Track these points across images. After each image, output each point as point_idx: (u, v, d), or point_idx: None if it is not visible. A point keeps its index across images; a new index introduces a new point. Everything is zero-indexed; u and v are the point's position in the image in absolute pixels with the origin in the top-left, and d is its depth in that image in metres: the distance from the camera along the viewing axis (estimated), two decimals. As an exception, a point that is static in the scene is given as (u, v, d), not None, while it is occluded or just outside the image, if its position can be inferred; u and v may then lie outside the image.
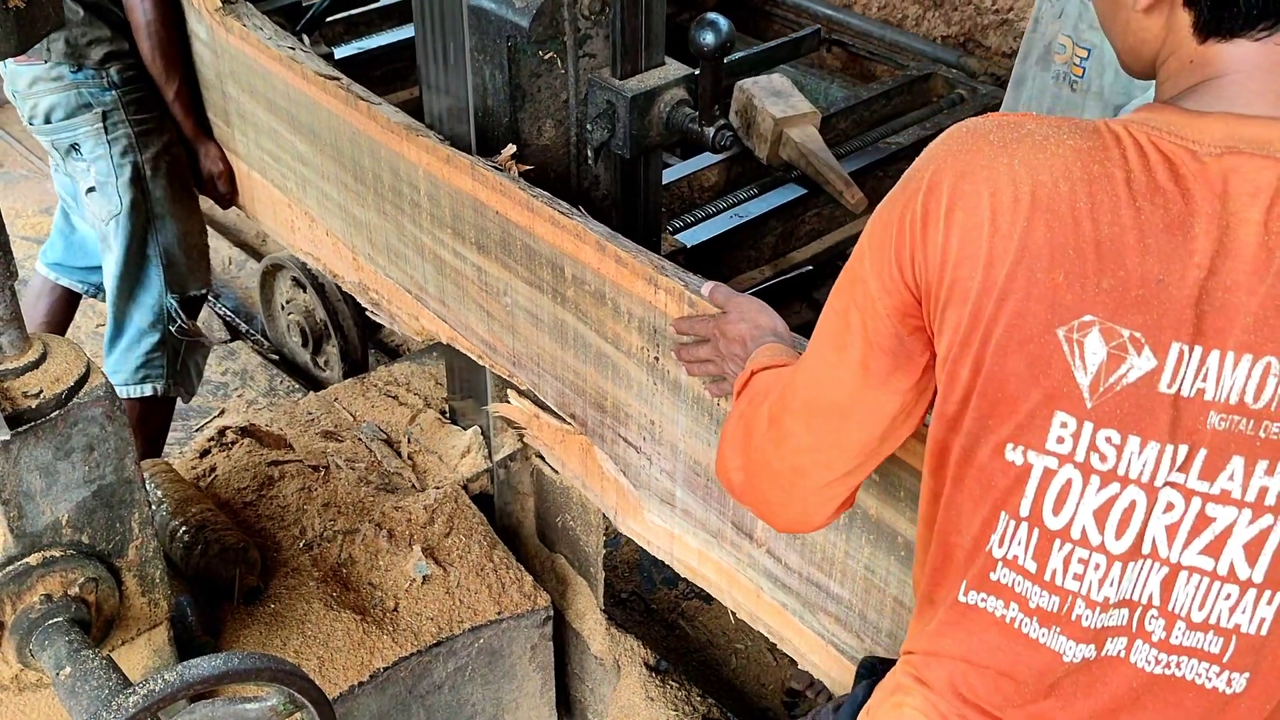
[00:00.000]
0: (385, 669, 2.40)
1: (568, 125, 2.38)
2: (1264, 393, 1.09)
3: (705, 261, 3.13)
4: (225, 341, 3.97)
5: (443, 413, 2.96)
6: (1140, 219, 1.09)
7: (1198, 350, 1.09)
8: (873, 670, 1.55)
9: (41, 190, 4.79)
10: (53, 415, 1.81)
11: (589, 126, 2.34)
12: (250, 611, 2.44)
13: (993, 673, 1.26)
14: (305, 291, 3.72)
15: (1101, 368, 1.11)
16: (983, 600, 1.25)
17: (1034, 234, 1.11)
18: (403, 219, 2.53)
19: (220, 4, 2.81)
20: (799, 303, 3.39)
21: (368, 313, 2.88)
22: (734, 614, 2.25)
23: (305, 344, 3.84)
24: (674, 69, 2.33)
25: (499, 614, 2.56)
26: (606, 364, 2.19)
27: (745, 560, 2.12)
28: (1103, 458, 1.14)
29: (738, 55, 3.74)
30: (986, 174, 1.14)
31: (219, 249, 4.42)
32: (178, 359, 3.09)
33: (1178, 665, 1.20)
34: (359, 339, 3.69)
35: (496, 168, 2.23)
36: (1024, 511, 1.19)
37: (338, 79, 2.55)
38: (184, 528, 2.48)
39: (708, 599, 3.27)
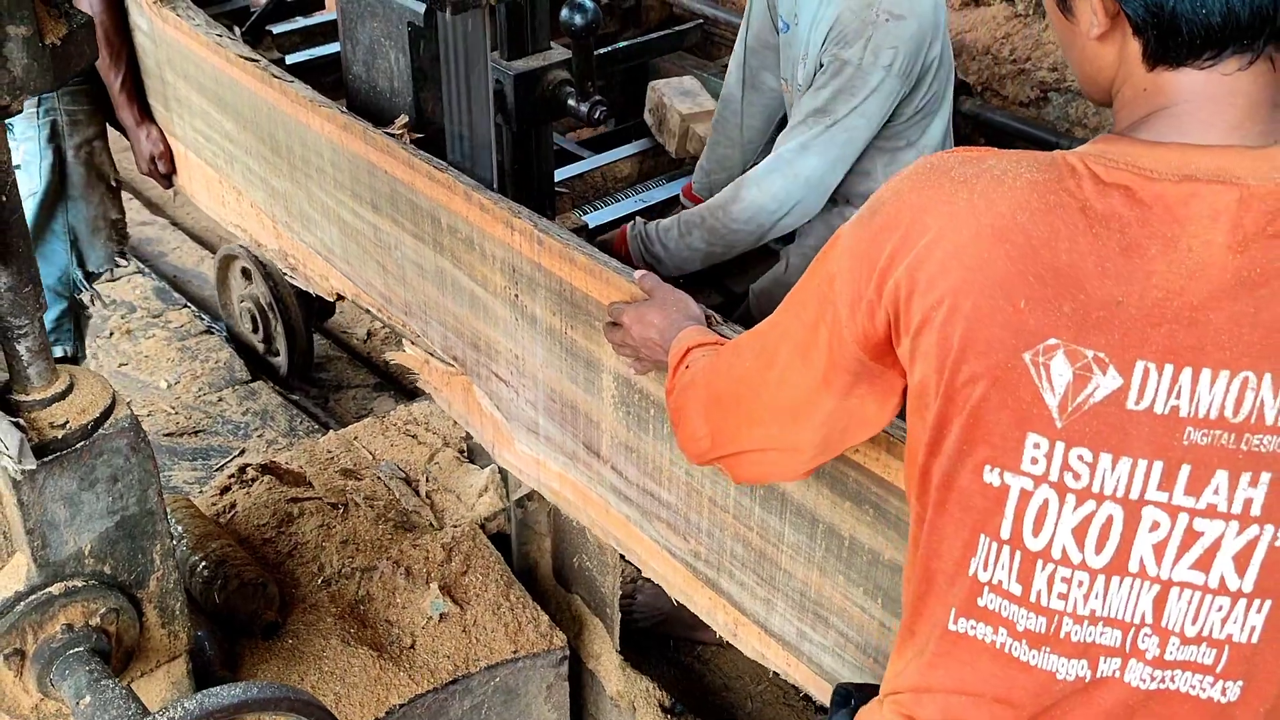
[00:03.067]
0: (401, 706, 2.40)
1: None
2: (1243, 406, 1.12)
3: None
4: (247, 382, 3.99)
5: (461, 452, 2.98)
6: (1098, 244, 1.13)
7: (1168, 368, 1.12)
8: (847, 698, 1.56)
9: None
10: (78, 446, 1.83)
11: None
12: (268, 646, 2.45)
13: (988, 700, 1.27)
14: (255, 280, 3.95)
15: (1068, 388, 1.14)
16: (972, 627, 1.26)
17: (995, 264, 1.15)
18: (311, 185, 2.76)
19: None
20: (709, 289, 3.52)
21: (287, 276, 3.12)
22: (591, 531, 2.45)
23: (255, 330, 4.06)
24: (557, 53, 2.54)
25: (515, 653, 2.56)
26: (478, 305, 2.38)
27: (595, 478, 2.30)
28: (1076, 476, 1.17)
29: (622, 44, 3.98)
30: (948, 208, 1.18)
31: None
32: (80, 324, 3.38)
33: (1172, 679, 1.22)
34: (304, 326, 3.94)
35: (389, 134, 2.44)
36: (1004, 534, 1.21)
37: (256, 61, 2.77)
38: (204, 563, 2.50)
39: (723, 642, 3.26)
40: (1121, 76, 1.21)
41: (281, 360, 4.04)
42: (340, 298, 2.91)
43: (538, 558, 2.87)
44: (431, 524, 2.79)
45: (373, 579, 2.61)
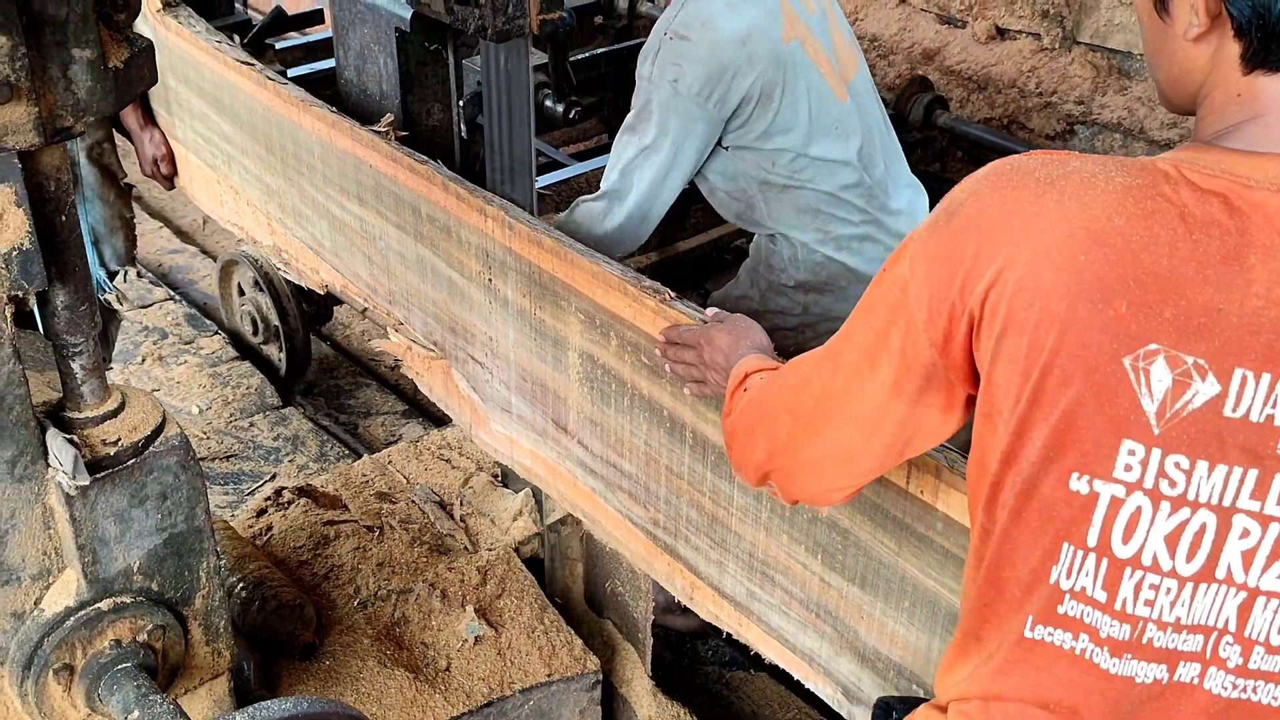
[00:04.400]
0: (437, 728, 2.42)
1: (452, 108, 2.83)
2: None
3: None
4: (278, 408, 4.02)
5: (495, 476, 3.00)
6: (1197, 251, 1.13)
7: (1265, 377, 1.12)
8: (888, 711, 1.55)
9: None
10: (129, 463, 1.85)
11: (460, 104, 2.70)
12: (305, 668, 2.46)
13: (1063, 711, 1.26)
14: (258, 286, 4.05)
15: (1167, 394, 1.14)
16: (1050, 634, 1.25)
17: (1092, 267, 1.14)
18: (302, 181, 2.91)
19: (161, 6, 3.20)
20: (689, 290, 3.67)
21: (281, 271, 3.28)
22: (560, 504, 2.60)
23: (255, 332, 4.18)
24: (536, 58, 2.64)
25: (549, 676, 2.56)
26: (455, 290, 2.52)
27: (564, 453, 2.44)
28: (1172, 483, 1.16)
29: (600, 50, 4.27)
30: (1034, 209, 1.18)
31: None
32: (109, 328, 3.47)
33: (1253, 690, 1.21)
34: (303, 330, 4.06)
35: (375, 131, 2.59)
36: (1091, 541, 1.20)
37: (252, 64, 2.94)
38: (242, 584, 2.52)
39: (749, 668, 3.27)
40: (1212, 81, 1.21)
41: (280, 362, 4.18)
42: (334, 300, 3.00)
43: (570, 582, 2.88)
44: (466, 547, 2.80)
45: (409, 601, 2.63)
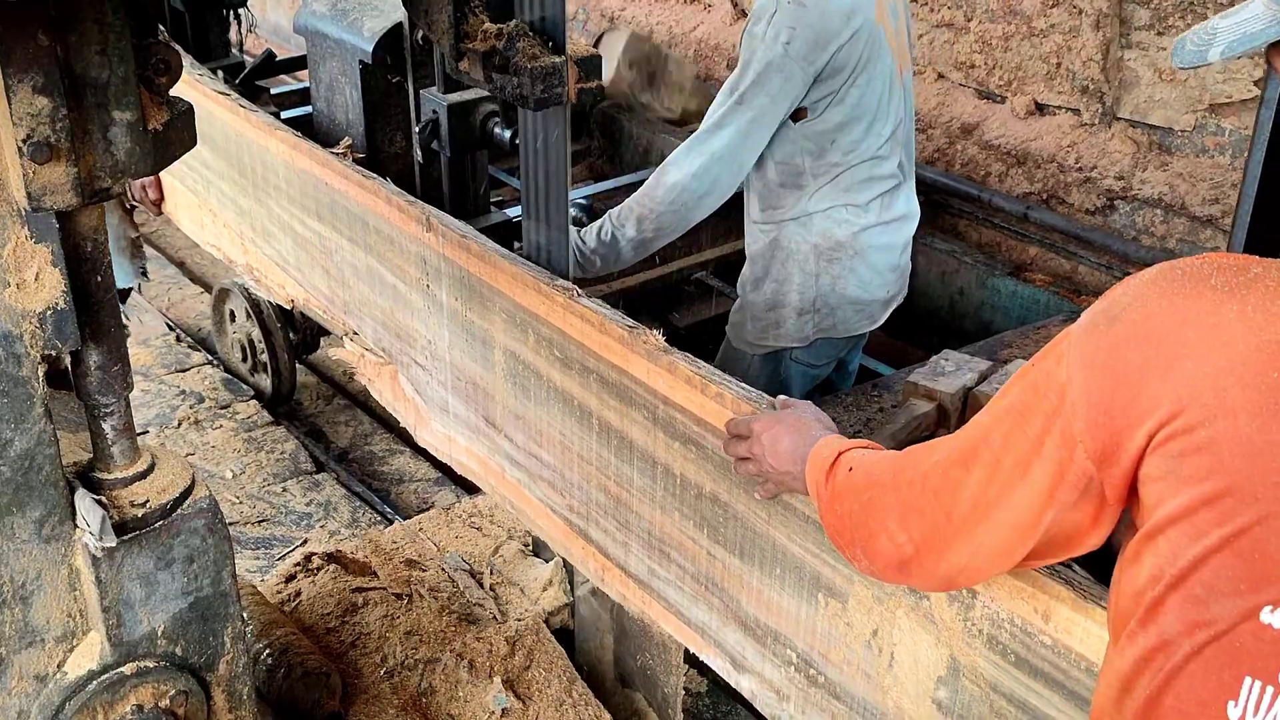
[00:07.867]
0: (462, 802, 2.38)
1: (414, 137, 3.08)
2: None
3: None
4: (311, 473, 4.01)
5: (525, 545, 2.97)
6: None
7: None
8: None
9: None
10: (157, 525, 1.85)
11: (416, 131, 2.88)
12: (330, 737, 2.43)
13: None
14: (248, 315, 4.28)
15: None
16: None
17: None
18: (270, 202, 3.09)
19: None
20: (655, 323, 3.70)
21: (252, 288, 3.52)
22: (492, 496, 2.69)
23: (244, 359, 4.42)
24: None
25: (577, 751, 2.52)
26: (400, 297, 2.67)
27: (493, 447, 2.56)
28: None
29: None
30: (1213, 320, 1.10)
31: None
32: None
33: None
34: (289, 356, 4.27)
35: (334, 153, 2.77)
36: None
37: (227, 94, 3.15)
38: (268, 650, 2.50)
39: None
40: None
41: (267, 386, 4.36)
42: (322, 330, 3.06)
43: (599, 655, 2.84)
44: (495, 617, 2.77)
45: (435, 671, 2.60)
